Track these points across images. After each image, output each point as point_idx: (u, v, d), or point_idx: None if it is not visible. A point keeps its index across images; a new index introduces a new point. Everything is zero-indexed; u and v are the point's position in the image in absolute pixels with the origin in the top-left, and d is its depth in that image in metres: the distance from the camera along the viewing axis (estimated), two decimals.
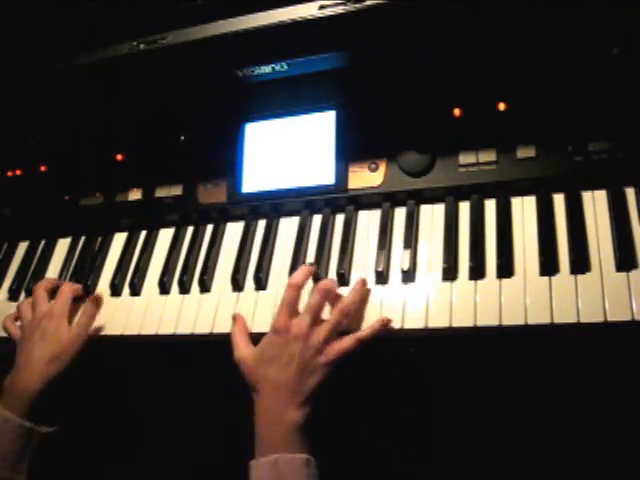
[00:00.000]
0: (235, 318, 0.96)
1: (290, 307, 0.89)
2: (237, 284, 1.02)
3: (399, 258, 0.95)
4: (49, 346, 0.98)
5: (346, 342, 0.87)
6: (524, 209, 0.94)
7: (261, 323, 0.96)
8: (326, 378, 0.85)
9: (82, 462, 1.13)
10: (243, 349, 0.91)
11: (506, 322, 0.83)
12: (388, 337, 0.89)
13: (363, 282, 0.93)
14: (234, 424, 1.02)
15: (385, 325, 0.88)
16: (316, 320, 0.88)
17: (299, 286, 0.91)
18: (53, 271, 1.20)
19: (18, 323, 1.06)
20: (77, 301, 1.08)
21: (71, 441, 1.01)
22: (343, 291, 0.95)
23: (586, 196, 0.92)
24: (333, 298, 0.91)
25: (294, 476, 0.79)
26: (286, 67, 1.07)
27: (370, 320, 0.90)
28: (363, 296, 0.92)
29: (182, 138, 1.18)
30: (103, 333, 1.05)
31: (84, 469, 1.14)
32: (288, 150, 1.09)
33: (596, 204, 0.91)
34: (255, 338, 0.95)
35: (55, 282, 1.11)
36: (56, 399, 0.97)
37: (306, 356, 0.85)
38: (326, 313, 0.91)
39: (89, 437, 1.13)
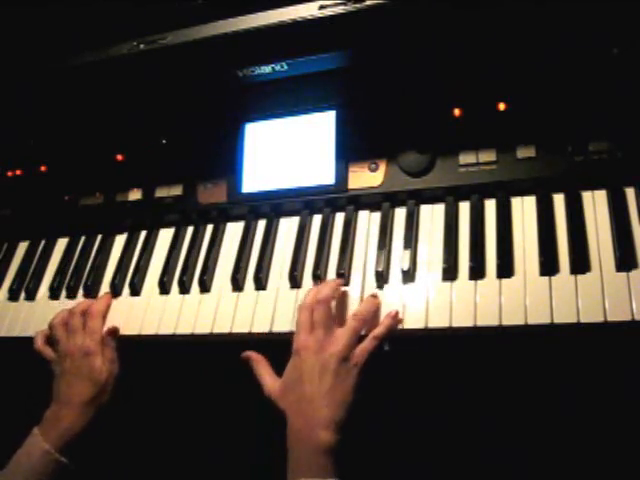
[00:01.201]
0: (251, 358, 0.93)
1: (305, 326, 0.88)
2: (237, 284, 1.02)
3: (399, 258, 0.95)
4: (88, 385, 0.97)
5: (367, 343, 0.86)
6: (524, 209, 0.94)
7: (261, 323, 0.96)
8: (357, 384, 0.83)
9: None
10: (269, 383, 0.89)
11: (506, 322, 0.83)
12: (388, 337, 0.89)
13: (374, 296, 0.92)
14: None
15: (395, 318, 0.88)
16: (331, 330, 0.87)
17: (311, 307, 0.89)
18: (53, 271, 1.20)
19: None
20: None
21: None
22: (343, 291, 0.95)
23: (586, 196, 0.92)
24: (340, 300, 0.92)
25: None
26: (286, 67, 1.07)
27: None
28: (376, 306, 0.91)
29: (182, 138, 1.18)
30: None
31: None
32: (288, 150, 1.09)
33: (596, 204, 0.91)
34: (255, 338, 0.95)
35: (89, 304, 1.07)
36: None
37: (332, 366, 0.83)
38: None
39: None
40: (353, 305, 0.93)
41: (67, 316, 1.04)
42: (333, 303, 0.91)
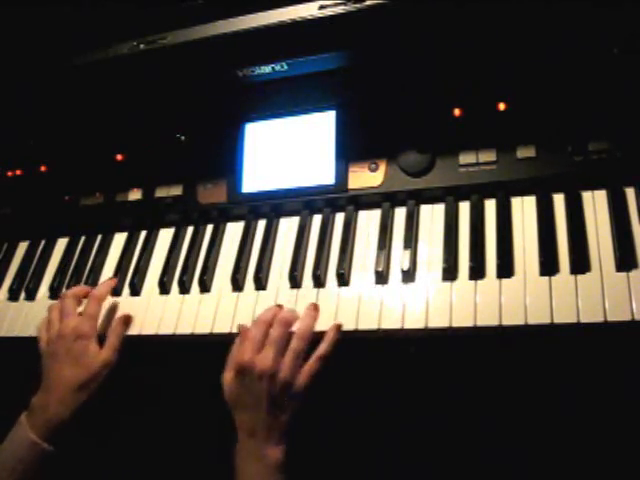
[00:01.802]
0: (240, 332, 0.92)
1: (254, 343, 0.87)
2: (237, 284, 1.02)
3: (399, 258, 0.95)
4: (78, 370, 0.94)
5: (311, 365, 0.86)
6: (524, 209, 0.94)
7: None
8: (299, 406, 0.85)
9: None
10: (228, 374, 0.89)
11: (506, 322, 0.83)
12: (388, 337, 0.89)
13: (314, 307, 0.92)
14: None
15: (339, 330, 0.89)
16: (280, 352, 0.87)
17: (269, 325, 0.90)
18: (53, 271, 1.19)
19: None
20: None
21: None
22: (343, 291, 0.95)
23: (586, 196, 0.92)
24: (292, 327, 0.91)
25: None
26: (286, 67, 1.07)
27: (370, 319, 0.90)
28: (316, 319, 0.91)
29: (182, 138, 1.18)
30: (103, 333, 1.05)
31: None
32: (288, 150, 1.09)
33: (596, 204, 0.91)
34: None
35: (86, 290, 1.05)
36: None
37: (275, 394, 0.84)
38: None
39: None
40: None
41: (60, 300, 1.03)
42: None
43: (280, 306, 0.94)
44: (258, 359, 0.86)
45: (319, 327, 0.91)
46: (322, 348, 0.87)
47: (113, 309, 1.05)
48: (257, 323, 0.90)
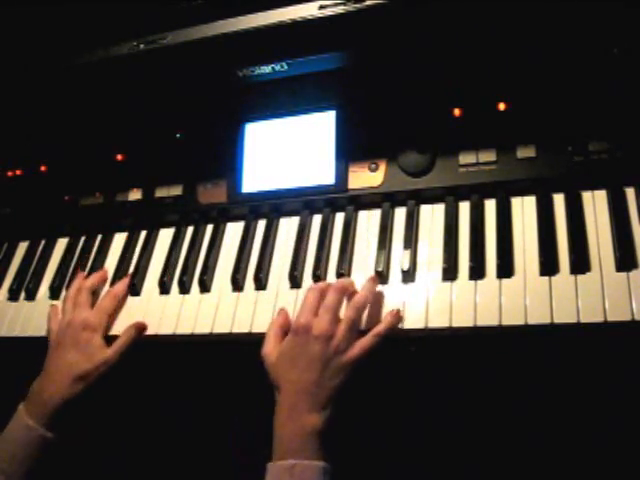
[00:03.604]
0: (279, 313, 0.94)
1: (311, 307, 0.88)
2: (237, 284, 1.02)
3: (399, 258, 0.95)
4: (79, 359, 0.96)
5: (367, 340, 0.86)
6: (524, 209, 0.94)
7: (261, 323, 0.96)
8: (348, 379, 0.83)
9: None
10: (270, 346, 0.89)
11: (506, 322, 0.83)
12: (388, 337, 0.89)
13: (373, 279, 0.92)
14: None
15: (397, 316, 0.88)
16: (335, 318, 0.87)
17: (323, 292, 0.90)
18: (53, 271, 1.19)
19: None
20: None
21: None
22: None
23: (586, 196, 0.92)
24: (350, 297, 0.90)
25: None
26: (286, 67, 1.07)
27: (370, 319, 0.90)
28: (374, 293, 0.91)
29: (182, 138, 1.18)
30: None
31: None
32: (288, 150, 1.09)
33: (596, 204, 0.91)
34: (256, 338, 0.95)
35: (103, 279, 1.09)
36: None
37: (328, 357, 0.83)
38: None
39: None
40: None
41: (76, 291, 1.05)
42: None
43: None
44: (316, 321, 0.86)
45: None
46: (380, 327, 0.87)
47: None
48: (313, 289, 0.90)
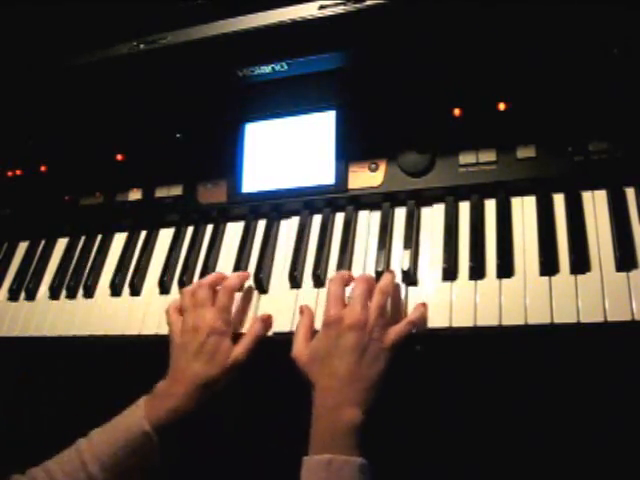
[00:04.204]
0: (302, 311, 0.91)
1: (339, 299, 0.86)
2: None
3: (399, 258, 0.95)
4: (208, 367, 0.88)
5: (401, 326, 0.84)
6: (524, 209, 0.94)
7: None
8: (387, 368, 0.81)
9: None
10: (301, 346, 0.86)
11: (506, 322, 0.83)
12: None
13: (391, 272, 0.91)
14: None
15: (424, 307, 0.87)
16: (365, 306, 0.84)
17: (344, 280, 0.89)
18: (53, 271, 1.19)
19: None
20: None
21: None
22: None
23: (586, 196, 0.92)
24: (373, 288, 0.88)
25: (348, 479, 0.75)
26: (286, 67, 1.07)
27: None
28: (393, 280, 0.90)
29: (182, 138, 1.18)
30: (102, 333, 1.05)
31: None
32: (288, 150, 1.09)
33: (596, 204, 0.91)
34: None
35: (221, 278, 0.98)
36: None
37: (364, 345, 0.81)
38: None
39: None
40: None
41: (195, 287, 0.96)
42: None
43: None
44: (346, 311, 0.83)
45: (318, 327, 0.91)
46: (413, 315, 0.86)
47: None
48: (334, 280, 0.89)
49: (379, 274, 0.94)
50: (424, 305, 0.88)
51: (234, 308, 0.96)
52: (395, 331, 0.83)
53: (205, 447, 1.10)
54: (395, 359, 0.82)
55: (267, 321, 0.95)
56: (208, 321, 0.91)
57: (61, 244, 1.24)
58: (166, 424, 0.85)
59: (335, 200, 1.05)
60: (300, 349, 0.86)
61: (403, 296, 0.91)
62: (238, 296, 0.99)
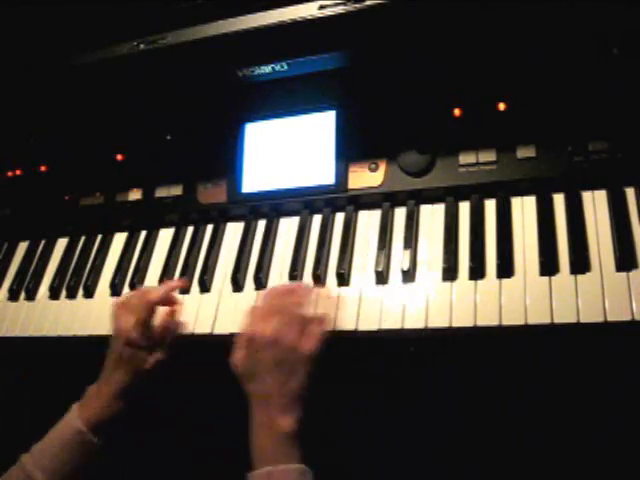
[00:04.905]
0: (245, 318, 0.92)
1: (258, 315, 0.87)
2: (237, 284, 1.02)
3: (399, 258, 0.95)
4: (126, 375, 0.93)
5: (314, 328, 0.85)
6: (524, 209, 0.94)
7: None
8: (308, 373, 0.83)
9: None
10: (237, 355, 0.87)
11: (506, 322, 0.83)
12: (388, 337, 0.89)
13: (329, 290, 0.95)
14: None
15: (331, 301, 0.92)
16: (284, 319, 0.85)
17: (273, 296, 0.90)
18: (53, 271, 1.19)
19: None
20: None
21: None
22: (343, 291, 0.95)
23: (586, 196, 0.92)
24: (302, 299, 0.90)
25: None
26: (286, 67, 1.07)
27: (370, 319, 0.90)
28: (305, 292, 0.91)
29: (182, 138, 1.18)
30: (102, 333, 1.05)
31: None
32: (288, 150, 1.09)
33: (596, 204, 0.91)
34: None
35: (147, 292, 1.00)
36: None
37: (280, 358, 0.82)
38: None
39: None
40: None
41: (125, 298, 0.99)
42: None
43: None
44: (260, 328, 0.85)
45: None
46: (320, 315, 0.88)
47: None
48: (263, 296, 0.90)
49: (379, 274, 0.94)
50: (333, 302, 0.91)
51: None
52: (311, 335, 0.84)
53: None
54: (317, 361, 0.83)
55: (174, 321, 0.99)
56: (125, 331, 0.95)
57: (61, 244, 1.24)
58: (98, 422, 0.90)
59: (335, 200, 1.05)
60: (236, 358, 0.87)
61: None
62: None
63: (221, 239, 1.11)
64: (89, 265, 1.17)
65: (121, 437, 0.95)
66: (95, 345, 1.05)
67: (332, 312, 0.91)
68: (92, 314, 1.10)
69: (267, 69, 1.07)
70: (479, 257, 0.90)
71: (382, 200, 1.02)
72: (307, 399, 0.82)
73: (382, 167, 1.02)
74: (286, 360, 0.82)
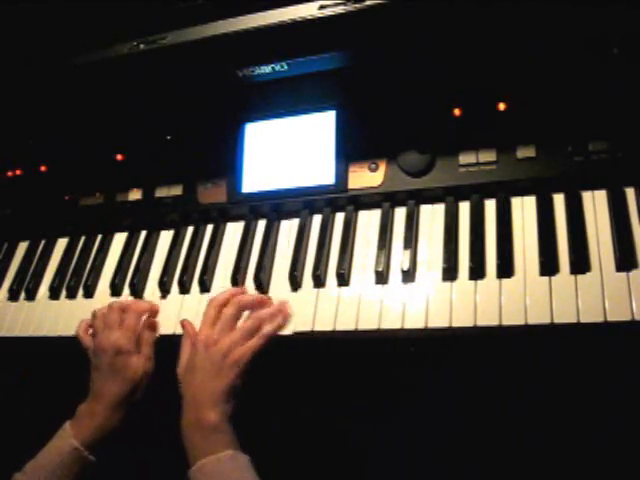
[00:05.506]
0: (184, 328, 0.97)
1: (208, 321, 0.94)
2: (237, 284, 1.02)
3: (399, 258, 0.95)
4: (121, 383, 0.95)
5: (253, 342, 0.91)
6: (524, 209, 0.94)
7: None
8: (238, 378, 0.89)
9: None
10: (183, 364, 0.94)
11: (506, 322, 0.83)
12: (388, 337, 0.89)
13: (283, 303, 0.96)
14: None
15: (285, 318, 0.94)
16: (228, 328, 0.93)
17: (222, 304, 0.95)
18: (53, 271, 1.19)
19: (90, 331, 1.03)
20: None
21: None
22: (343, 291, 0.95)
23: (586, 196, 0.92)
24: (256, 308, 0.96)
25: (224, 475, 0.82)
26: (286, 67, 1.07)
27: (370, 319, 0.90)
28: (279, 309, 0.95)
29: (182, 138, 1.18)
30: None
31: None
32: (288, 150, 1.09)
33: (596, 204, 0.91)
34: None
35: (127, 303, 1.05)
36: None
37: (213, 361, 0.89)
38: None
39: None
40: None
41: (107, 309, 1.02)
42: (246, 313, 0.96)
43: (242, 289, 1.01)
44: (203, 333, 0.93)
45: (317, 327, 0.92)
46: (266, 328, 0.93)
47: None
48: (210, 304, 0.96)
49: (379, 274, 0.94)
50: (284, 314, 0.94)
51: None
52: (248, 346, 0.91)
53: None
54: (249, 369, 0.90)
55: (153, 325, 1.02)
56: (113, 342, 0.97)
57: (61, 244, 1.24)
58: (94, 441, 0.92)
59: (335, 200, 1.05)
60: (183, 365, 0.94)
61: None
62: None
63: (221, 239, 1.11)
64: (89, 265, 1.17)
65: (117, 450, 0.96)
66: None
67: (278, 320, 0.94)
68: None
69: (267, 69, 1.07)
70: (479, 257, 0.90)
71: (382, 200, 1.02)
72: (242, 399, 0.89)
73: (382, 167, 1.02)
74: (217, 363, 0.89)
